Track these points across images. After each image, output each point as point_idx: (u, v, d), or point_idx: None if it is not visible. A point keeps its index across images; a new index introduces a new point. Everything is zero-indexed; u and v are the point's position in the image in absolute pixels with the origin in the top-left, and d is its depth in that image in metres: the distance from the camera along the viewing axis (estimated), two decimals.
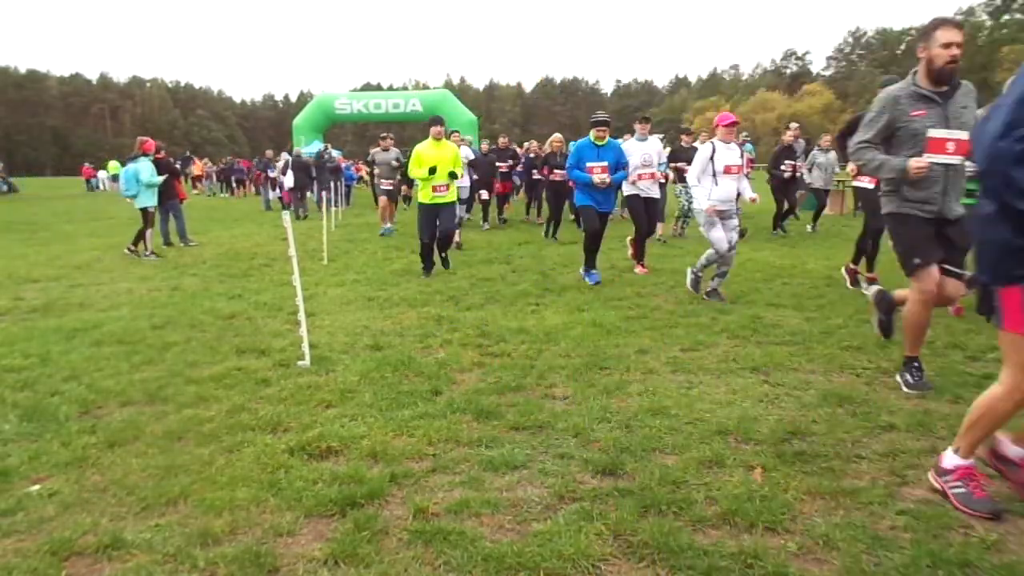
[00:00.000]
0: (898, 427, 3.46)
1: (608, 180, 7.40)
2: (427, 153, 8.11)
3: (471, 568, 2.33)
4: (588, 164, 7.40)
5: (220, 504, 2.77)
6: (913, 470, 3.01)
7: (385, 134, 13.47)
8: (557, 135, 12.71)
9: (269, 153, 24.39)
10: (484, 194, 13.57)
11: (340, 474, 3.02)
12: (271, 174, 21.13)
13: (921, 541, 2.43)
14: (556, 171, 11.70)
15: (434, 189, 8.10)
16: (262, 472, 3.06)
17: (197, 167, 32.90)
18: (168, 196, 11.40)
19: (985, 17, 68.16)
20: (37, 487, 2.96)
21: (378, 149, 13.50)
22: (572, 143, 10.10)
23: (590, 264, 7.79)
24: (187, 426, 3.63)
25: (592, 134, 7.55)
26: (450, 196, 8.26)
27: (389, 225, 13.28)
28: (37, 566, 2.38)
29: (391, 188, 13.27)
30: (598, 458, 3.13)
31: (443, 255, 8.75)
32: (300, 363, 4.67)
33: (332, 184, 16.99)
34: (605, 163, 7.42)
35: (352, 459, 3.20)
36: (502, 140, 16.20)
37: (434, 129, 8.27)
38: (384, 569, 2.34)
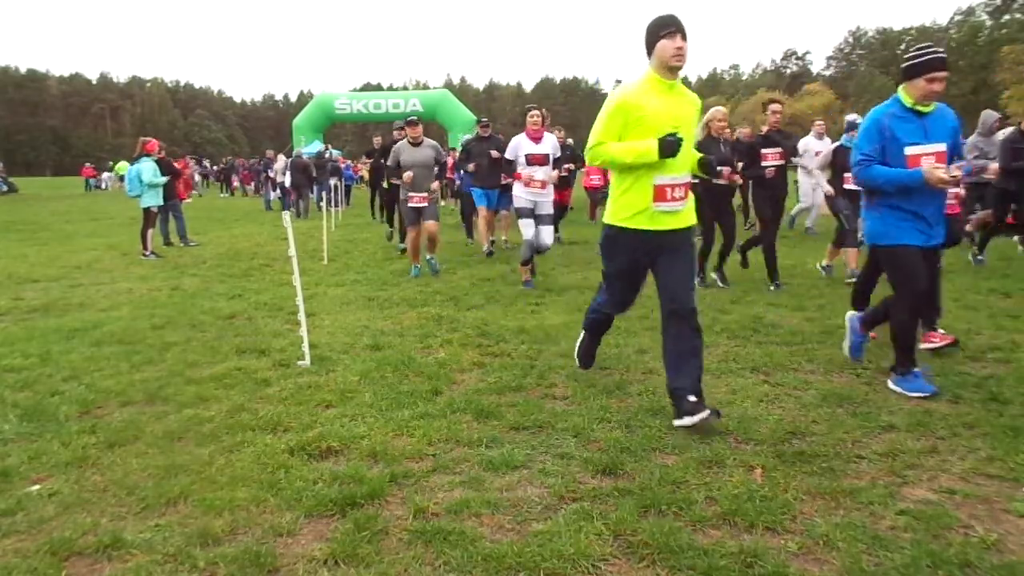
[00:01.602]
0: (898, 427, 3.46)
1: (957, 177, 3.89)
2: (651, 106, 3.56)
3: (471, 568, 2.33)
4: (909, 150, 3.90)
5: (220, 504, 2.76)
6: (913, 470, 3.01)
7: (416, 118, 8.12)
8: (719, 109, 7.39)
9: (270, 153, 24.43)
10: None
11: (340, 474, 3.01)
12: (271, 174, 21.22)
13: (921, 541, 2.43)
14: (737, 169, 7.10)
15: (659, 194, 3.58)
16: (262, 472, 3.06)
17: None
18: (168, 196, 11.47)
19: (985, 17, 68.21)
20: (37, 487, 2.96)
21: (402, 142, 8.06)
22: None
23: (907, 361, 3.99)
24: (187, 426, 3.63)
25: (912, 89, 3.93)
26: (686, 216, 3.72)
27: (431, 260, 8.27)
28: (37, 566, 2.38)
29: (425, 204, 7.89)
30: (598, 458, 3.13)
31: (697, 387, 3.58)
32: (300, 363, 4.67)
33: (332, 184, 17.02)
34: (942, 146, 3.94)
35: (352, 459, 3.20)
36: (558, 134, 10.80)
37: (668, 46, 3.48)
38: (384, 569, 2.34)
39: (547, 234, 7.40)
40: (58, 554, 2.45)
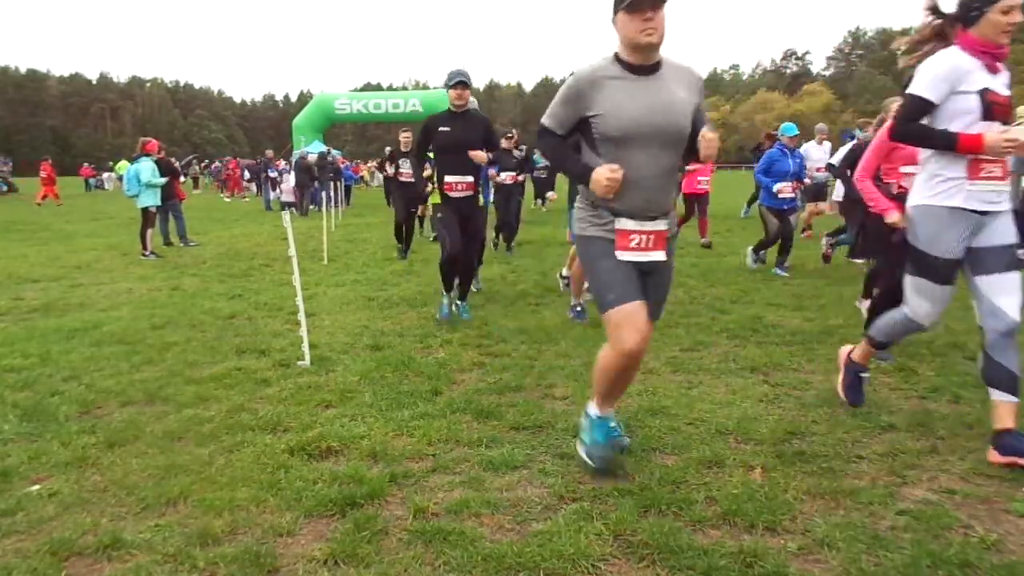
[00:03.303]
0: (898, 427, 3.46)
1: None
2: None
3: (471, 568, 2.33)
4: None
5: (220, 504, 2.76)
6: (913, 470, 3.01)
7: None
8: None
9: (269, 153, 24.47)
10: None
11: (340, 474, 3.01)
12: (272, 174, 21.29)
13: (921, 541, 2.43)
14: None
15: None
16: (262, 472, 3.06)
17: None
18: (167, 196, 11.49)
19: None
20: (37, 487, 2.96)
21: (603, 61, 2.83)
22: None
23: None
24: (187, 426, 3.62)
25: None
26: None
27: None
28: (37, 566, 2.38)
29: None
30: None
31: None
32: (300, 363, 4.67)
33: (332, 184, 17.07)
34: None
35: (352, 459, 3.20)
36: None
37: None
38: (384, 569, 2.34)
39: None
40: (58, 554, 2.45)
